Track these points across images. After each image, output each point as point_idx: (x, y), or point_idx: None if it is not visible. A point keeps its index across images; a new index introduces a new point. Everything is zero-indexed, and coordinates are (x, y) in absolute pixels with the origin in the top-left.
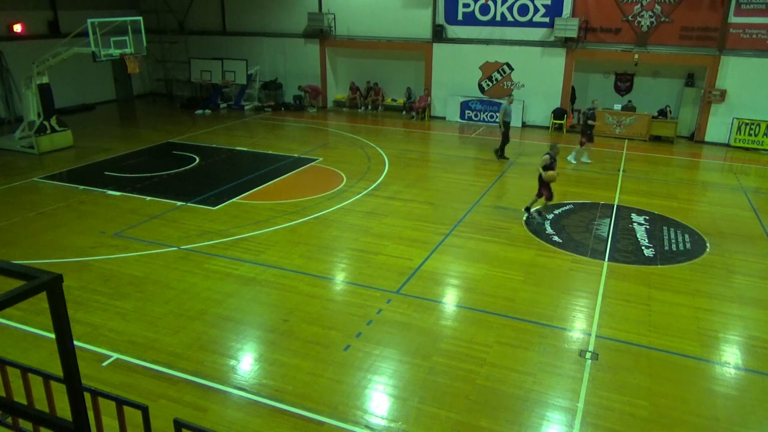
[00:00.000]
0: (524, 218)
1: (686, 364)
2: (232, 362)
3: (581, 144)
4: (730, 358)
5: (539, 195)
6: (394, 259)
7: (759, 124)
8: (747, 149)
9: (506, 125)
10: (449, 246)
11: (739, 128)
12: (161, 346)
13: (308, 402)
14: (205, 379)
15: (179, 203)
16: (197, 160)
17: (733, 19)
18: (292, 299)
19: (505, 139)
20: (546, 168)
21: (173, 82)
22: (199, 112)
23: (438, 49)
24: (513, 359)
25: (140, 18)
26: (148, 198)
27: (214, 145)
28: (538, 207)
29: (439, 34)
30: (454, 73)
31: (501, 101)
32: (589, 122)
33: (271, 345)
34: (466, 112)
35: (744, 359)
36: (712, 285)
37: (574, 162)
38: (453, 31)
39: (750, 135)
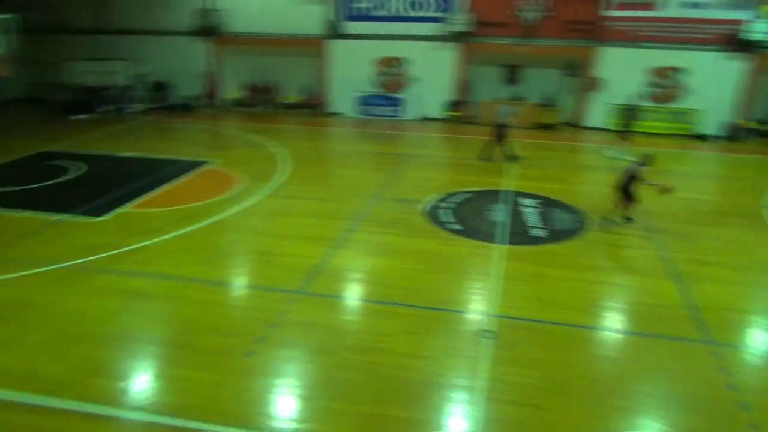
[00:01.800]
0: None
1: (575, 333)
2: (126, 384)
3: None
4: (612, 323)
5: (630, 201)
6: (297, 258)
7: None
8: (620, 132)
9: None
10: (352, 241)
11: (613, 113)
12: (43, 375)
13: (212, 415)
14: (96, 406)
15: (59, 216)
16: (79, 168)
17: (609, 13)
18: (189, 310)
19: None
20: (633, 179)
21: (50, 85)
22: (78, 116)
23: (335, 44)
24: (418, 346)
25: (13, 16)
26: (21, 213)
27: (98, 152)
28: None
29: (335, 30)
30: (352, 69)
31: (399, 96)
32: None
33: (168, 360)
34: (364, 107)
35: (623, 323)
36: (597, 259)
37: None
38: (349, 26)
39: (622, 119)
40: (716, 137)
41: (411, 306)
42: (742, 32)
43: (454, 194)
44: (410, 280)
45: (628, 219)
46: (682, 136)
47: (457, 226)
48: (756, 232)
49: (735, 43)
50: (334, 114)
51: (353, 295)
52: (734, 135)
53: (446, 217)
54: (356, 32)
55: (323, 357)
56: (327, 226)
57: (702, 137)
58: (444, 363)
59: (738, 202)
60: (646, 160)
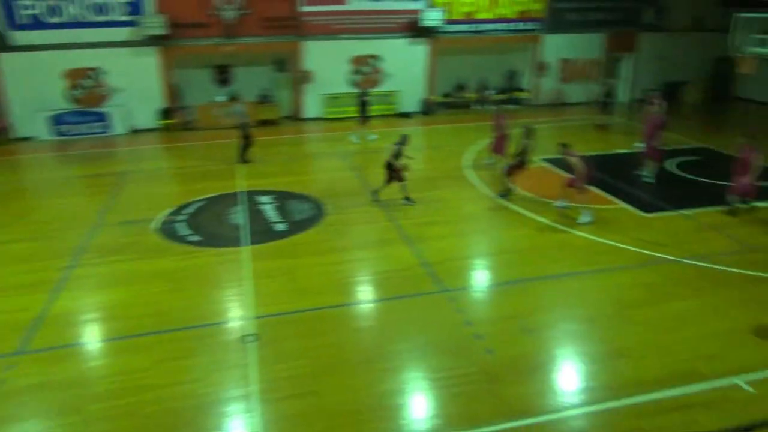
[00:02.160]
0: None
1: (333, 313)
2: None
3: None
4: (363, 296)
5: (400, 180)
6: (7, 315)
7: (340, 97)
8: (336, 119)
9: None
10: (77, 279)
11: (327, 102)
12: None
13: None
14: None
15: None
16: None
17: (304, 8)
18: None
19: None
20: (396, 156)
21: None
22: None
23: (7, 59)
24: (181, 372)
25: None
26: None
27: None
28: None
29: (1, 42)
30: (36, 85)
31: (101, 110)
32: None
33: None
34: (61, 126)
35: (373, 293)
36: (338, 240)
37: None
38: (20, 37)
39: (336, 107)
40: (416, 113)
41: (164, 332)
42: (420, 20)
43: (187, 205)
44: (156, 305)
45: (408, 200)
46: (390, 115)
47: (196, 237)
48: (462, 189)
49: (416, 29)
50: (23, 139)
51: (91, 337)
52: (428, 110)
53: (182, 230)
54: (34, 43)
55: (68, 417)
56: (41, 269)
57: (406, 115)
58: (213, 380)
59: (444, 167)
60: (404, 140)
